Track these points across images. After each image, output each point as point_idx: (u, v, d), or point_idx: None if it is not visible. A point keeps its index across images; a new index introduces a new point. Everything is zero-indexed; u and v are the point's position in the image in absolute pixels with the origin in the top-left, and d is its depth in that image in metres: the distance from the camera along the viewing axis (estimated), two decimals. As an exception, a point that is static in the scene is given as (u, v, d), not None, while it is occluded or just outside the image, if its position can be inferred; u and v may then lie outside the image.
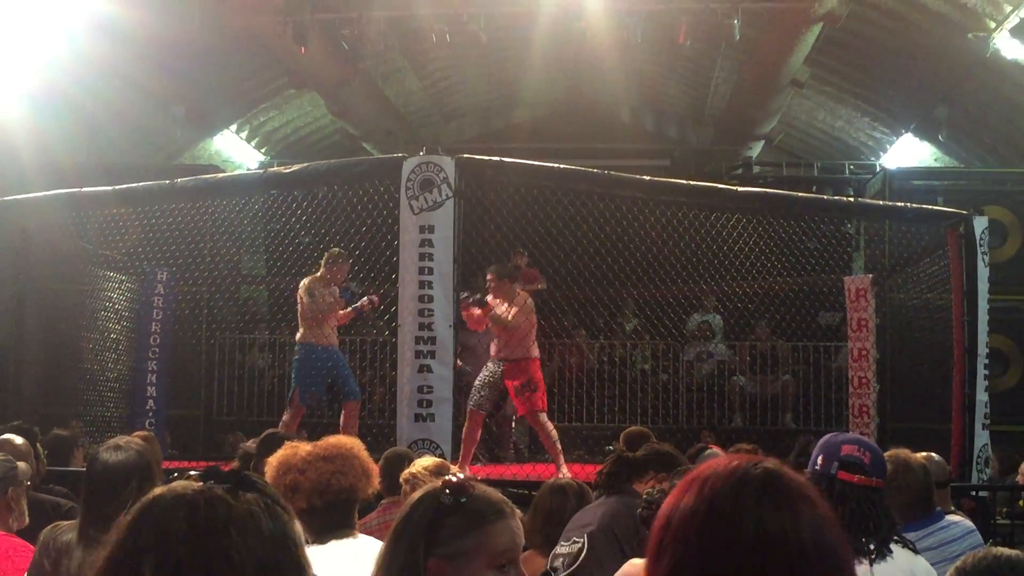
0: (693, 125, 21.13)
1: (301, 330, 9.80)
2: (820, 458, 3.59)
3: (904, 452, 4.57)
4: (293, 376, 9.95)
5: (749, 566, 1.49)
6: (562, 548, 4.61)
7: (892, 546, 3.48)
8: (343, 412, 9.84)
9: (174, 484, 1.64)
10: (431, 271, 8.06)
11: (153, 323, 12.16)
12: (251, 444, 7.12)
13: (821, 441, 3.68)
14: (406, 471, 4.36)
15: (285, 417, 9.78)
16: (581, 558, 4.43)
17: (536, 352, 9.59)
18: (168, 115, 16.80)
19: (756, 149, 19.62)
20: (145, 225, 10.69)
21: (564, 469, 9.28)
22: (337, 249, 9.68)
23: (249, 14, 13.79)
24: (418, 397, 7.97)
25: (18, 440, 6.11)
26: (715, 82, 17.99)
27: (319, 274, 9.72)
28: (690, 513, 1.55)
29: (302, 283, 9.74)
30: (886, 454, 4.29)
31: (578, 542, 4.57)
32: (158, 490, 1.64)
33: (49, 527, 4.03)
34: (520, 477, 8.81)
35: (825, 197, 12.63)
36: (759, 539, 1.50)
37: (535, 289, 13.08)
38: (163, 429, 11.63)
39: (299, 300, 9.76)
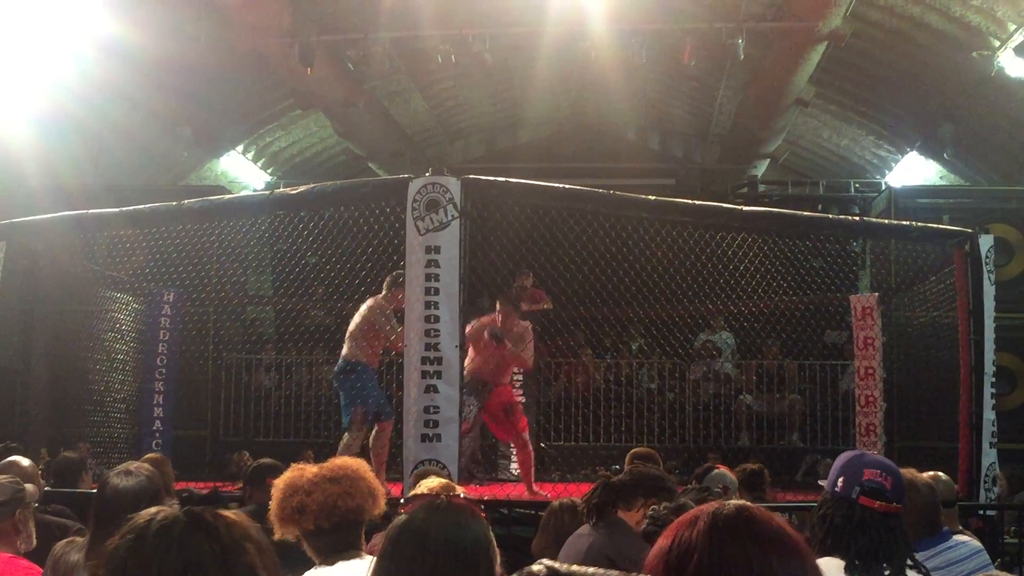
0: (698, 144, 21.17)
1: (350, 348, 9.64)
2: (840, 480, 3.51)
3: (910, 472, 4.54)
4: (345, 395, 9.71)
5: None
6: None
7: (908, 571, 3.44)
8: (377, 429, 9.71)
9: (151, 511, 1.73)
10: (437, 291, 8.05)
11: (160, 344, 12.18)
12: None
13: (841, 461, 3.59)
14: (411, 492, 4.36)
15: (347, 439, 9.52)
16: None
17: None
18: (174, 136, 16.85)
19: (761, 168, 19.64)
20: (152, 246, 10.70)
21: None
22: (398, 271, 9.61)
23: (255, 36, 13.85)
24: (424, 417, 7.96)
25: (24, 462, 6.12)
26: (720, 101, 18.02)
27: (383, 295, 9.59)
28: (658, 550, 1.64)
29: (369, 303, 9.62)
30: None
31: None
32: (142, 515, 1.72)
33: (63, 542, 4.05)
34: (526, 497, 8.81)
35: (830, 216, 12.60)
36: (714, 573, 1.56)
37: (540, 309, 13.11)
38: (170, 449, 11.63)
39: (363, 318, 9.61)
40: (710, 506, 1.64)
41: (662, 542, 1.64)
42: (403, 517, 2.58)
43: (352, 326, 9.62)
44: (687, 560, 1.57)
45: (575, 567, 1.42)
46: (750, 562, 1.54)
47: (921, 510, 4.35)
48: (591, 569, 1.35)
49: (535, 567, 1.45)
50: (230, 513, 1.74)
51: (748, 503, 1.65)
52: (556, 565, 1.39)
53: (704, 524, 1.60)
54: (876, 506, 3.44)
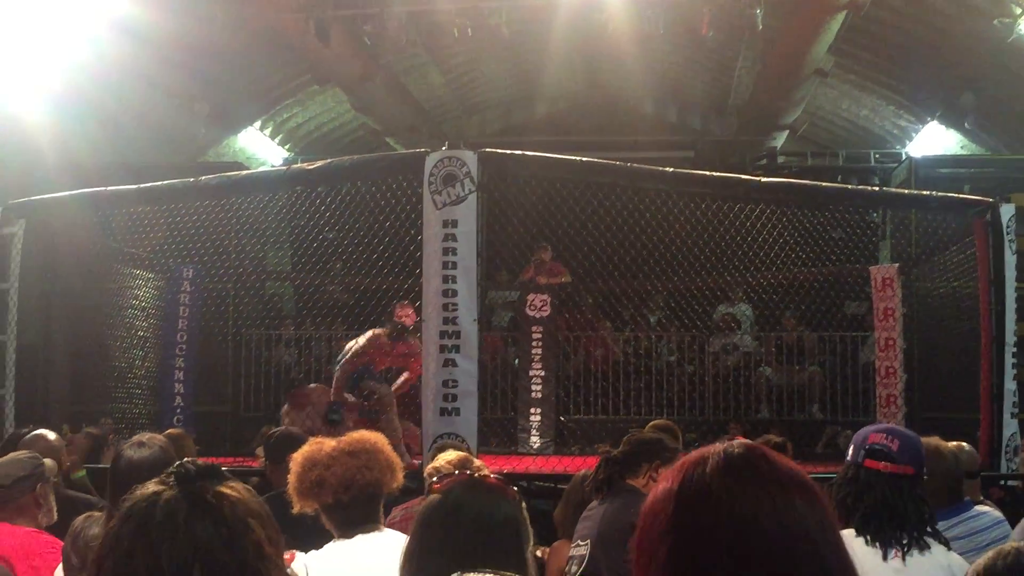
0: (716, 116, 21.06)
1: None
2: (851, 449, 3.58)
3: (935, 440, 4.53)
4: None
5: (723, 540, 1.46)
6: (575, 550, 4.65)
7: (927, 539, 3.43)
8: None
9: (148, 489, 1.72)
10: (455, 265, 8.05)
11: (180, 320, 12.20)
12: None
13: (857, 434, 3.66)
14: (430, 465, 4.37)
15: None
16: (586, 563, 4.48)
17: None
18: (191, 114, 16.86)
19: (780, 139, 19.55)
20: (171, 223, 10.72)
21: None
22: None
23: (271, 12, 13.83)
24: (443, 391, 7.97)
25: (51, 436, 6.16)
26: (738, 72, 17.91)
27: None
28: (665, 495, 1.54)
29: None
30: None
31: (582, 545, 4.62)
32: (138, 493, 1.71)
33: (82, 516, 4.07)
34: (546, 470, 8.82)
35: (850, 186, 12.52)
36: (729, 515, 1.47)
37: (559, 282, 13.11)
38: (191, 425, 11.68)
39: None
40: (716, 447, 1.56)
41: (667, 484, 1.55)
42: (437, 495, 2.58)
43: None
44: (701, 500, 1.49)
45: None
46: (773, 500, 1.47)
47: (945, 477, 4.35)
48: None
49: None
50: (229, 489, 1.73)
51: (759, 447, 1.58)
52: None
53: (716, 463, 1.52)
54: (881, 467, 3.47)
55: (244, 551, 1.67)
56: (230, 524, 1.67)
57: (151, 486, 1.70)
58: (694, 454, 1.57)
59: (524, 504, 2.63)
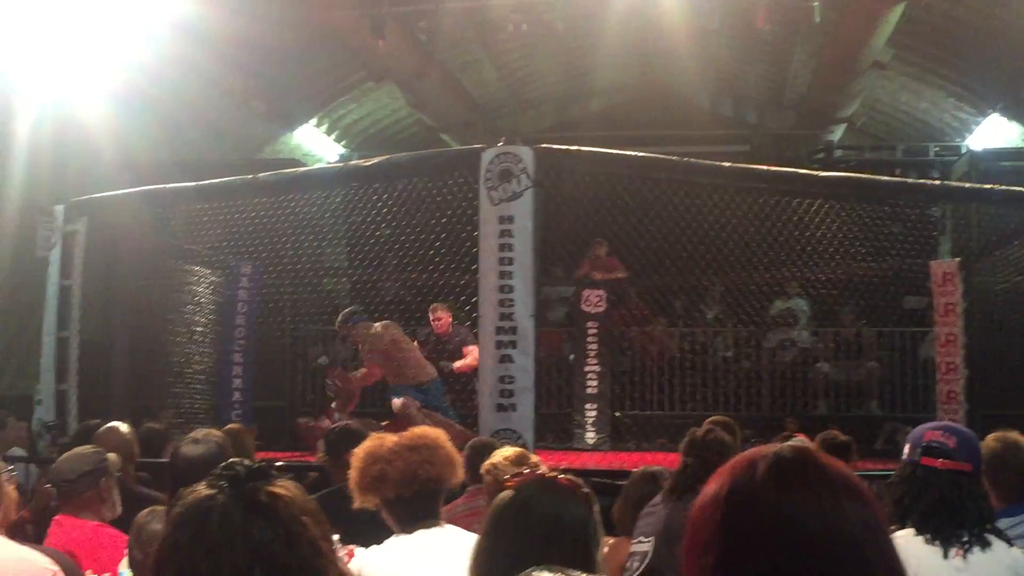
0: (773, 110, 20.88)
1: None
2: (907, 447, 3.54)
3: (1015, 434, 4.47)
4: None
5: (772, 545, 1.44)
6: (636, 546, 4.65)
7: (989, 536, 3.39)
8: None
9: (199, 492, 1.72)
10: (511, 261, 8.07)
11: (238, 316, 12.32)
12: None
13: (913, 431, 3.63)
14: (487, 461, 4.38)
15: None
16: (648, 559, 4.48)
17: None
18: (247, 112, 17.00)
19: (837, 132, 19.34)
20: (229, 220, 10.82)
21: None
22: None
23: (327, 9, 13.91)
24: (500, 387, 7.99)
25: (123, 428, 6.25)
26: (795, 66, 17.75)
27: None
28: (713, 498, 1.52)
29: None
30: (995, 434, 4.22)
31: (645, 542, 4.62)
32: (190, 498, 1.72)
33: (145, 511, 4.12)
34: (603, 466, 8.81)
35: (910, 180, 12.40)
36: (777, 518, 1.44)
37: (614, 278, 13.06)
38: (249, 420, 11.79)
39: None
40: (766, 449, 1.53)
41: (714, 487, 1.52)
42: (508, 493, 2.58)
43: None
44: (749, 506, 1.47)
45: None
46: (822, 506, 1.45)
47: (1019, 471, 4.28)
48: None
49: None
50: (281, 488, 1.73)
51: (810, 449, 1.56)
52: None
53: (765, 467, 1.49)
54: (938, 464, 3.43)
55: (302, 549, 1.68)
56: (286, 523, 1.68)
57: (202, 489, 1.70)
58: (743, 457, 1.55)
59: (596, 506, 2.62)
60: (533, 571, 2.09)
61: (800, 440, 6.56)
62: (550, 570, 2.06)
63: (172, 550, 1.67)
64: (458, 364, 10.16)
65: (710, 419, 7.44)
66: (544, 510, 2.50)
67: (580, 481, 2.63)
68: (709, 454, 5.10)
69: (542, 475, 2.66)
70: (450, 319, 10.26)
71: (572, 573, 2.07)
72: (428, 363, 9.99)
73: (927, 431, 3.54)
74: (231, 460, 1.78)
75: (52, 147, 12.97)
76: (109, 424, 6.37)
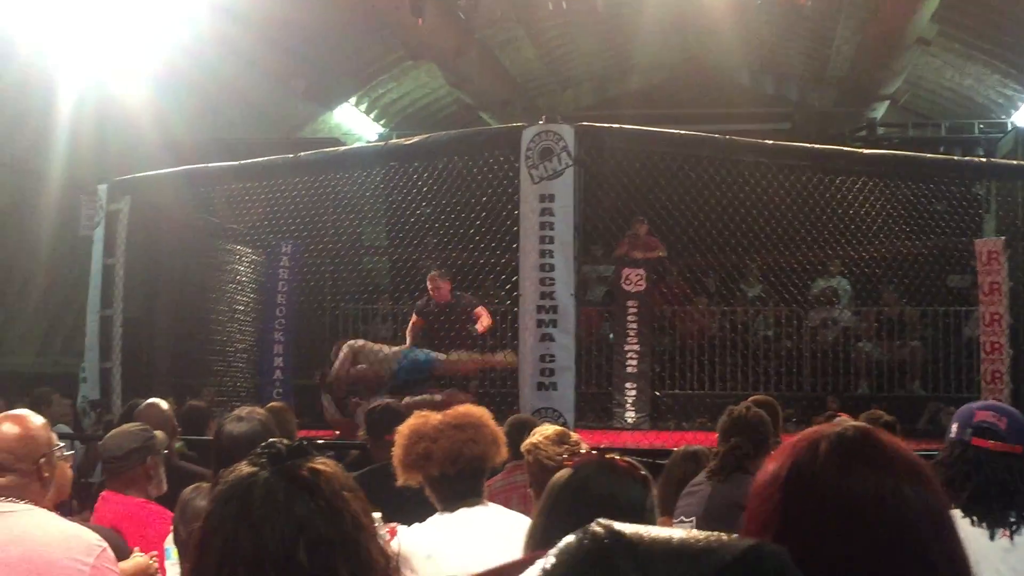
0: (814, 87, 20.70)
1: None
2: (955, 426, 3.50)
3: None
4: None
5: (833, 524, 1.43)
6: (678, 526, 4.65)
7: None
8: None
9: (241, 471, 1.74)
10: (552, 240, 8.05)
11: (279, 295, 12.38)
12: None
13: (957, 412, 3.58)
14: (527, 440, 4.37)
15: None
16: None
17: None
18: (287, 91, 17.05)
19: (880, 110, 19.14)
20: (269, 199, 10.86)
21: None
22: None
23: (366, -12, 13.91)
24: (540, 366, 7.99)
25: (163, 405, 6.30)
26: (837, 42, 17.57)
27: None
28: (773, 477, 1.51)
29: None
30: None
31: (686, 521, 4.62)
32: (232, 476, 1.74)
33: (190, 488, 4.15)
34: (643, 445, 8.79)
35: (955, 158, 12.25)
36: (840, 497, 1.44)
37: (655, 257, 13.02)
38: (290, 398, 11.85)
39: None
40: (828, 428, 1.52)
41: (774, 467, 1.52)
42: (565, 473, 2.57)
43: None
44: (810, 486, 1.46)
45: (641, 528, 1.31)
46: (884, 488, 1.44)
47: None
48: (660, 529, 1.25)
49: (595, 527, 1.39)
50: (322, 464, 1.75)
51: (873, 428, 1.55)
52: (616, 525, 1.31)
53: (828, 446, 1.48)
54: (990, 445, 3.39)
55: (344, 524, 1.70)
56: (328, 498, 1.70)
57: (244, 467, 1.73)
58: (805, 436, 1.54)
59: (654, 490, 2.60)
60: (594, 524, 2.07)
61: (843, 420, 6.49)
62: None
63: (216, 525, 1.70)
64: (482, 326, 10.21)
65: (751, 398, 7.39)
66: (601, 491, 2.48)
67: (638, 464, 2.61)
68: (754, 433, 5.10)
69: (600, 456, 2.65)
70: (450, 286, 10.28)
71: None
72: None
73: (977, 411, 3.50)
74: (272, 439, 1.80)
75: (94, 127, 13.06)
76: (150, 400, 6.44)
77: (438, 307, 10.29)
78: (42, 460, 3.30)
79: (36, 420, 3.40)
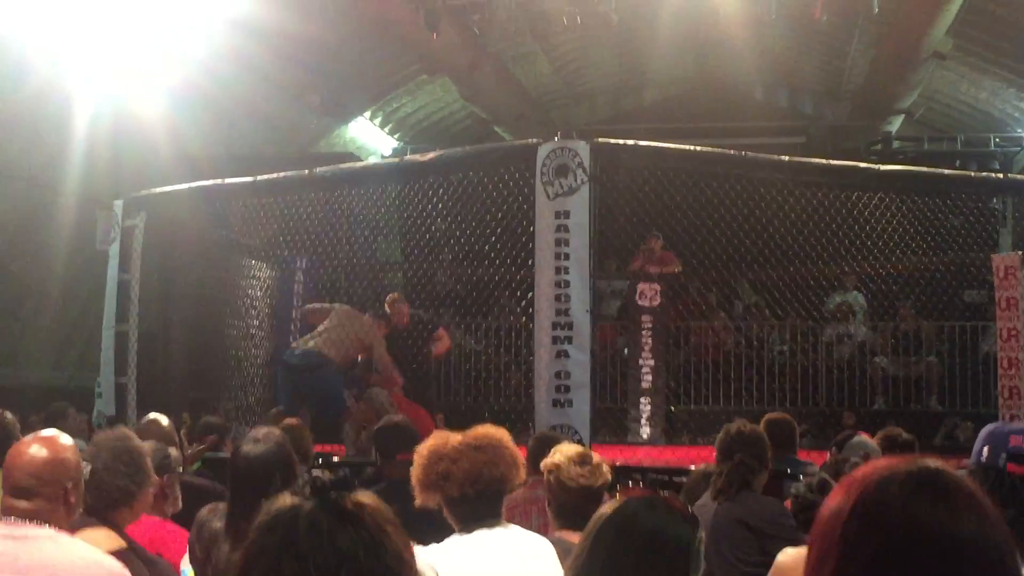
0: (829, 101, 20.66)
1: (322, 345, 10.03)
2: (986, 449, 3.45)
3: None
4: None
5: (899, 563, 1.42)
6: None
7: None
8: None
9: (284, 502, 1.75)
10: (567, 256, 8.05)
11: (294, 310, 12.39)
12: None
13: (985, 431, 3.53)
14: (548, 460, 4.35)
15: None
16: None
17: None
18: (301, 106, 17.10)
19: (896, 123, 19.10)
20: (284, 214, 10.88)
21: None
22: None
23: (381, 3, 13.93)
24: (556, 383, 7.97)
25: (164, 421, 6.29)
26: (852, 56, 17.54)
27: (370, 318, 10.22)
28: (835, 513, 1.51)
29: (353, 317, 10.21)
30: None
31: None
32: (275, 507, 1.75)
33: (207, 508, 4.14)
34: (660, 462, 8.77)
35: (972, 174, 12.19)
36: (910, 535, 1.43)
37: (671, 272, 12.99)
38: (305, 413, 11.84)
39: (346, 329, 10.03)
40: (897, 465, 1.52)
41: (837, 503, 1.52)
42: (610, 507, 2.55)
43: (331, 329, 9.92)
44: (877, 522, 1.46)
45: None
46: (957, 526, 1.44)
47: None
48: None
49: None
50: (365, 498, 1.77)
51: (942, 465, 1.54)
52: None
53: (899, 484, 1.48)
54: None
55: (386, 557, 1.71)
56: (371, 532, 1.71)
57: (287, 499, 1.74)
58: (871, 472, 1.53)
59: (701, 532, 2.58)
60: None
61: (863, 440, 6.47)
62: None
63: (258, 555, 1.71)
64: (439, 349, 10.32)
65: (767, 416, 7.38)
66: (647, 527, 2.46)
67: (684, 503, 2.60)
68: (754, 449, 5.09)
69: (647, 491, 2.64)
70: (408, 310, 10.61)
71: None
72: None
73: (1011, 435, 3.44)
74: (316, 474, 1.81)
75: (109, 142, 13.13)
76: (149, 416, 6.43)
77: (398, 328, 10.41)
78: (69, 485, 3.29)
79: (65, 442, 3.39)
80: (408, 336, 10.40)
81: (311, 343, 9.98)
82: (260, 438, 4.04)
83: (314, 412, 9.83)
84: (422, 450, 3.75)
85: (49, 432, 3.44)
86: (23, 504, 3.19)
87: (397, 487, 4.21)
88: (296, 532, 1.68)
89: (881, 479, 1.50)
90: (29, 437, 3.38)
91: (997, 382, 11.21)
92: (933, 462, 1.54)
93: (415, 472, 3.72)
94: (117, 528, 3.86)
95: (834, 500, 1.53)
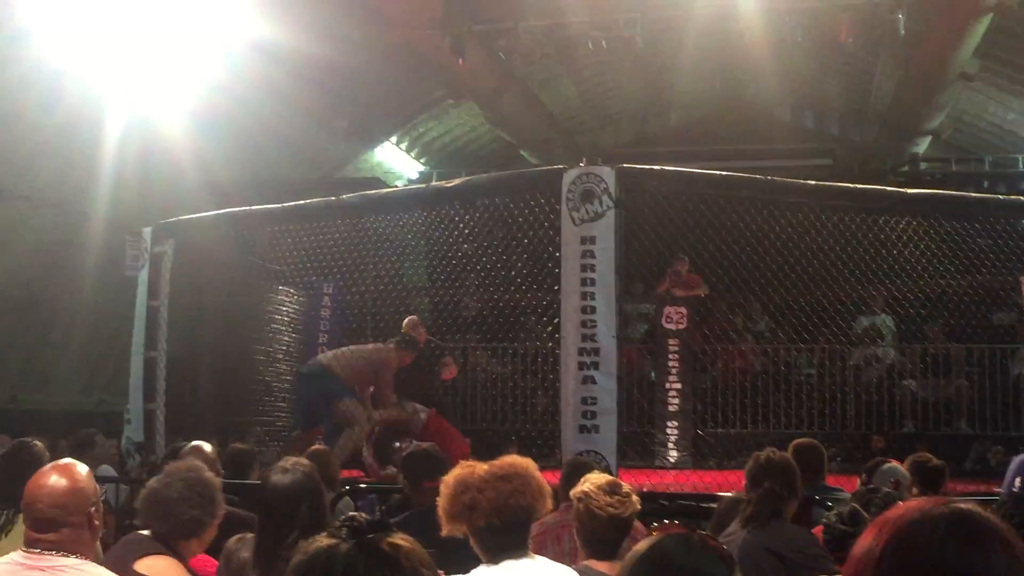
0: (856, 122, 20.62)
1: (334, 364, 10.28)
2: (1018, 480, 3.43)
3: None
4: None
5: None
6: None
7: None
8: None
9: (321, 543, 1.76)
10: (593, 282, 8.03)
11: (320, 334, 12.44)
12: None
13: (1017, 463, 3.51)
14: (577, 488, 4.33)
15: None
16: None
17: None
18: (328, 131, 17.18)
19: (923, 145, 19.02)
20: (311, 240, 10.94)
21: None
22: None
23: (407, 29, 14.01)
24: (582, 409, 7.95)
25: (207, 447, 6.31)
26: (878, 78, 17.50)
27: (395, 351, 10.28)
28: (867, 553, 1.52)
29: (380, 353, 10.32)
30: None
31: None
32: (313, 548, 1.76)
33: (234, 538, 4.15)
34: (687, 488, 8.73)
35: (1000, 197, 12.12)
36: None
37: (696, 295, 12.96)
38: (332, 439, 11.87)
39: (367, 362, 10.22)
40: (932, 506, 1.53)
41: (868, 543, 1.53)
42: (645, 544, 2.54)
43: (352, 357, 10.21)
44: (911, 563, 1.47)
45: None
46: (989, 571, 1.45)
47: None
48: None
49: None
50: (401, 540, 1.78)
51: (974, 507, 1.56)
52: None
53: (929, 528, 1.49)
54: None
55: None
56: (406, 573, 1.72)
57: (324, 539, 1.75)
58: (907, 513, 1.54)
59: (738, 573, 2.56)
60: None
61: (894, 467, 6.42)
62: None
63: None
64: (448, 374, 10.76)
65: (795, 442, 7.33)
66: (683, 565, 2.43)
67: (718, 542, 2.58)
68: (784, 476, 5.06)
69: (683, 528, 2.62)
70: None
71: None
72: None
73: None
74: (352, 513, 1.82)
75: (138, 168, 13.22)
76: (193, 443, 6.45)
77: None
78: (92, 509, 3.33)
79: (82, 470, 3.43)
80: (419, 359, 10.50)
81: (321, 358, 10.52)
82: (288, 468, 4.05)
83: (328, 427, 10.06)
84: (448, 480, 3.74)
85: (64, 461, 3.48)
86: (50, 536, 3.21)
87: (424, 515, 4.22)
88: (333, 572, 1.70)
89: (913, 521, 1.51)
90: (46, 468, 3.41)
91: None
92: (965, 504, 1.54)
93: (441, 502, 3.71)
94: (181, 558, 3.90)
95: (866, 540, 1.54)
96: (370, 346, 10.48)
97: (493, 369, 13.77)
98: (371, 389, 10.25)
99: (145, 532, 4.01)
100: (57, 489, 3.28)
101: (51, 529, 3.23)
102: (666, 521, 3.88)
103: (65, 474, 3.34)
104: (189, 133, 13.55)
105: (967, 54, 14.47)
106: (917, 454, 7.23)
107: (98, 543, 3.73)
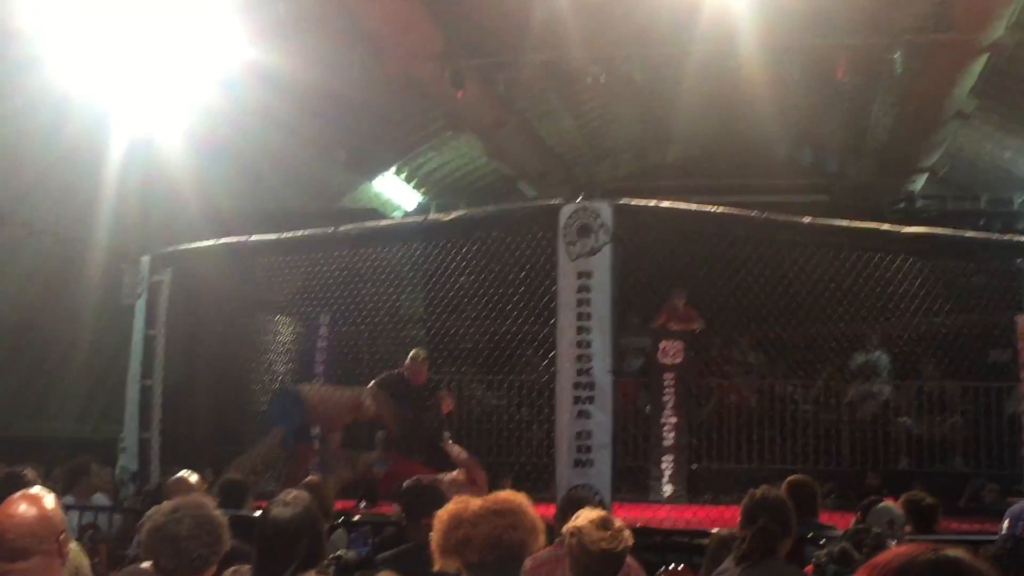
0: (853, 159, 20.70)
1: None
2: (1021, 525, 3.46)
3: None
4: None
5: None
6: None
7: None
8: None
9: None
10: (589, 316, 8.07)
11: (317, 364, 12.45)
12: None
13: (1015, 511, 3.55)
14: (570, 523, 4.35)
15: None
16: None
17: None
18: (328, 161, 17.24)
19: (919, 182, 19.10)
20: (309, 270, 10.96)
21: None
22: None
23: (407, 61, 14.09)
24: (577, 443, 7.97)
25: (192, 478, 6.33)
26: (875, 116, 17.60)
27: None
28: None
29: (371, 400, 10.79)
30: None
31: None
32: None
33: (230, 571, 4.16)
34: (681, 524, 8.72)
35: (995, 236, 12.14)
36: None
37: (691, 329, 12.99)
38: (329, 471, 11.86)
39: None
40: (916, 552, 1.56)
41: None
42: None
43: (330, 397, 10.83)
44: None
45: None
46: None
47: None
48: None
49: None
50: None
51: (961, 554, 1.57)
52: None
53: (917, 575, 1.52)
54: None
55: None
56: None
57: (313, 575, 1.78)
58: (895, 560, 1.57)
59: None
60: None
61: (889, 506, 6.44)
62: None
63: None
64: (443, 410, 10.87)
65: (789, 479, 7.34)
66: None
67: None
68: (779, 514, 5.07)
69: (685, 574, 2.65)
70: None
71: None
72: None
73: None
74: (339, 552, 1.84)
75: (138, 195, 13.24)
76: (177, 475, 6.47)
77: (409, 386, 10.57)
78: (61, 537, 3.35)
79: (49, 498, 3.45)
80: (417, 394, 10.60)
81: (302, 386, 11.14)
82: (288, 501, 4.06)
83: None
84: (442, 515, 3.75)
85: (32, 490, 3.49)
86: (20, 565, 3.22)
87: (419, 551, 4.23)
88: None
89: (900, 567, 1.53)
90: (15, 497, 3.42)
91: (1022, 443, 11.14)
92: (953, 551, 1.56)
93: (435, 536, 3.72)
94: None
95: None
96: (348, 392, 10.80)
97: (488, 401, 13.77)
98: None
99: (145, 565, 4.03)
100: (27, 518, 3.28)
101: (22, 558, 3.23)
102: (625, 537, 3.89)
103: (34, 503, 3.35)
104: (190, 161, 13.59)
105: (963, 93, 14.57)
106: (911, 492, 7.25)
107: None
